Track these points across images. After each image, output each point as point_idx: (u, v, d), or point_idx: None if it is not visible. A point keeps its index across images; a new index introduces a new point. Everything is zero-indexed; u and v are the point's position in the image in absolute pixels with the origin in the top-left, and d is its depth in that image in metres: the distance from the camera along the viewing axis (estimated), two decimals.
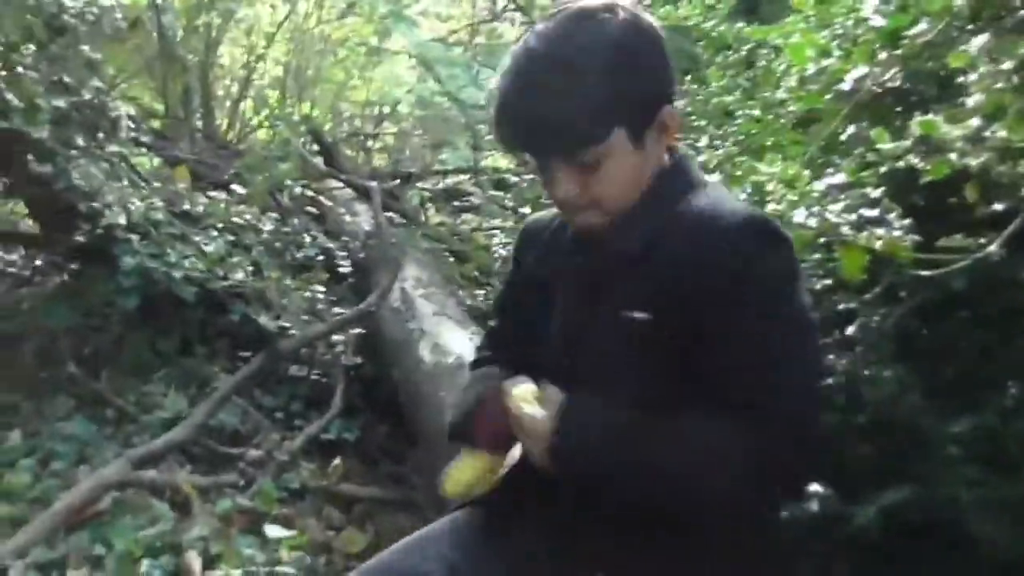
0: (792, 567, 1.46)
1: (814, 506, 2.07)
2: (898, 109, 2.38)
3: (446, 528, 1.51)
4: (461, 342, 3.22)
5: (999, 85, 1.53)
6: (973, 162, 1.62)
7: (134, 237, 3.74)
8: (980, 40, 1.66)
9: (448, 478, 1.49)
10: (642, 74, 1.32)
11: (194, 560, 2.66)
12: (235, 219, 4.49)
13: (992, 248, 1.59)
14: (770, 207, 1.75)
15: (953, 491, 2.06)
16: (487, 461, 1.48)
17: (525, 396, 1.37)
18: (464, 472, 1.48)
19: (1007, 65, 1.51)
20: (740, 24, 3.14)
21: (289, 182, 4.99)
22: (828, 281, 2.03)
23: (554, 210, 1.54)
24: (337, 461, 3.52)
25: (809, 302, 1.31)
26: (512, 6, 6.89)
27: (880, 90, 2.33)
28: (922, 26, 2.20)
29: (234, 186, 4.99)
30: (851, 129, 2.28)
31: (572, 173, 1.33)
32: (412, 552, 1.46)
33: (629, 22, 1.31)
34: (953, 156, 1.65)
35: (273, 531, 2.81)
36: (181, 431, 3.27)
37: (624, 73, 1.29)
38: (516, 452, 1.48)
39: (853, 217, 1.77)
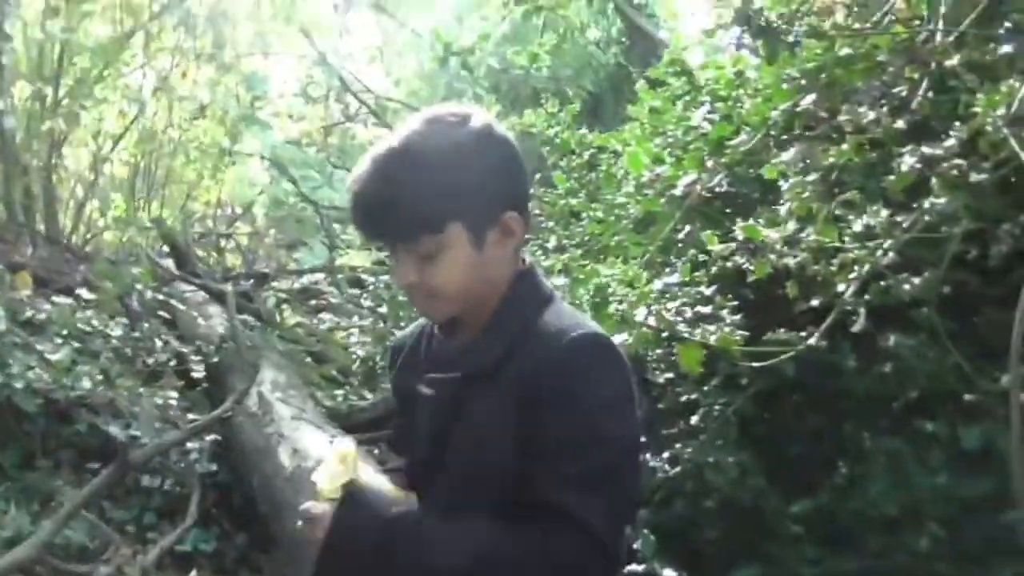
0: None
1: None
2: (727, 211, 2.58)
3: None
4: (321, 445, 3.20)
5: (807, 193, 1.70)
6: (791, 262, 1.78)
7: None
8: (791, 152, 1.84)
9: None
10: (484, 177, 1.41)
11: None
12: (81, 325, 4.34)
13: (812, 341, 1.74)
14: (612, 307, 1.86)
15: (796, 569, 2.18)
16: None
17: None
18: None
19: (812, 176, 1.68)
20: (582, 131, 3.34)
21: (139, 286, 4.88)
22: (670, 374, 2.15)
23: (414, 326, 1.63)
24: (193, 573, 3.39)
25: (637, 423, 1.40)
26: (365, 109, 7.03)
27: (709, 194, 2.53)
28: (743, 136, 2.42)
29: (80, 291, 4.83)
30: (686, 230, 2.45)
31: (413, 261, 1.40)
32: None
33: (479, 129, 1.42)
34: (773, 256, 1.80)
35: None
36: (24, 550, 3.09)
37: (464, 172, 1.39)
38: None
39: (689, 314, 1.91)
